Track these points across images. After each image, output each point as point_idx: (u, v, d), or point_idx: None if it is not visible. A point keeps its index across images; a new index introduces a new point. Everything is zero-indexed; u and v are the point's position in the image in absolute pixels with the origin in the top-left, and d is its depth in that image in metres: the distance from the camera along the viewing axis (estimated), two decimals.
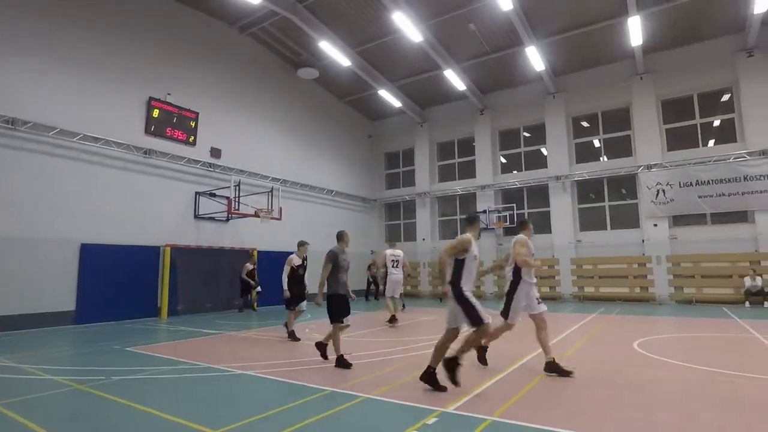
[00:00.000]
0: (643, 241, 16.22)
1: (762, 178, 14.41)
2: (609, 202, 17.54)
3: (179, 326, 10.75)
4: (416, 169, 22.01)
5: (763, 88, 14.69)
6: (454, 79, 17.83)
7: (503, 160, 20.33)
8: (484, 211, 19.20)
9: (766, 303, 13.50)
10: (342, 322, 6.15)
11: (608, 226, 17.36)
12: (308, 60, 17.90)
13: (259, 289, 14.69)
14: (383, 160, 23.68)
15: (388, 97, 19.71)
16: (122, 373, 5.80)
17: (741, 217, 15.00)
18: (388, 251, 11.36)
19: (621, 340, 8.05)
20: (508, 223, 18.65)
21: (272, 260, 16.18)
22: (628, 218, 16.98)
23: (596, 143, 18.19)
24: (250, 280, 14.50)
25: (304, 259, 8.67)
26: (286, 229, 16.68)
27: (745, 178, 14.67)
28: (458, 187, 20.71)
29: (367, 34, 16.29)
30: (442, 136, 21.74)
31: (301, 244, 8.66)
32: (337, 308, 6.18)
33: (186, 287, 13.52)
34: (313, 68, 18.14)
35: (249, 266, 14.43)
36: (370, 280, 19.21)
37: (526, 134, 19.74)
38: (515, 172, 19.84)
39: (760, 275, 13.97)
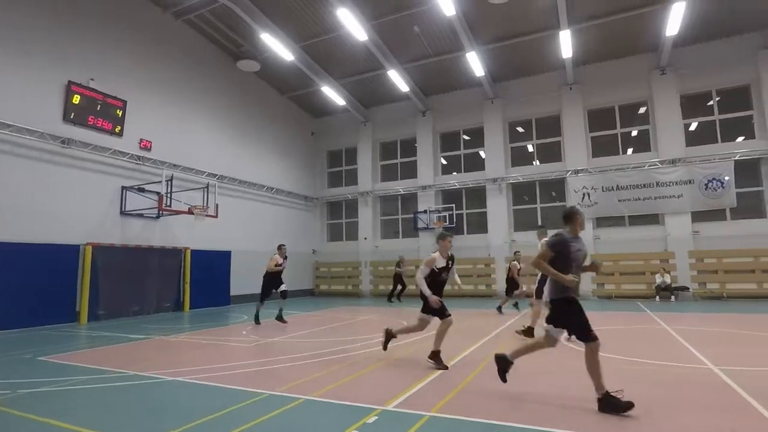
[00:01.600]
0: None
1: (671, 184, 15.95)
2: (540, 204, 18.59)
3: (101, 332, 9.95)
4: (359, 168, 22.01)
5: (672, 103, 16.26)
6: (398, 79, 18.03)
7: (444, 162, 20.87)
8: (425, 211, 19.61)
9: (672, 297, 14.97)
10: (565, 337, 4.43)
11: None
12: (249, 52, 17.29)
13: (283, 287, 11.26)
14: (326, 158, 23.44)
15: (332, 94, 19.54)
16: (32, 385, 5.25)
17: (653, 219, 16.50)
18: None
19: None
20: (447, 222, 19.16)
21: (207, 260, 15.54)
22: (558, 219, 17.98)
23: (530, 148, 19.20)
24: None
25: (450, 258, 6.32)
26: (222, 228, 16.05)
27: (657, 184, 16.15)
28: (400, 186, 20.98)
29: (311, 29, 16.02)
30: (385, 135, 21.91)
31: (444, 237, 6.29)
32: (569, 318, 4.37)
33: (110, 289, 12.51)
34: (254, 61, 17.55)
35: (279, 259, 11.03)
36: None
37: (466, 137, 20.41)
38: (455, 173, 20.44)
39: (668, 272, 15.46)
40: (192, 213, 13.37)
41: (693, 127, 16.53)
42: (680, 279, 15.47)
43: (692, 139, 16.30)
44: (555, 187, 18.48)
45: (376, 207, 21.75)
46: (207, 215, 13.75)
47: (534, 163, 18.95)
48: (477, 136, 19.89)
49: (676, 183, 15.89)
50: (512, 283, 12.27)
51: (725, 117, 16.04)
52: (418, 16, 15.10)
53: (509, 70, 18.29)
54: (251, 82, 19.05)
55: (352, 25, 14.47)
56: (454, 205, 19.40)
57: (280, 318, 10.86)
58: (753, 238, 14.72)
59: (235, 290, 16.65)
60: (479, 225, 19.46)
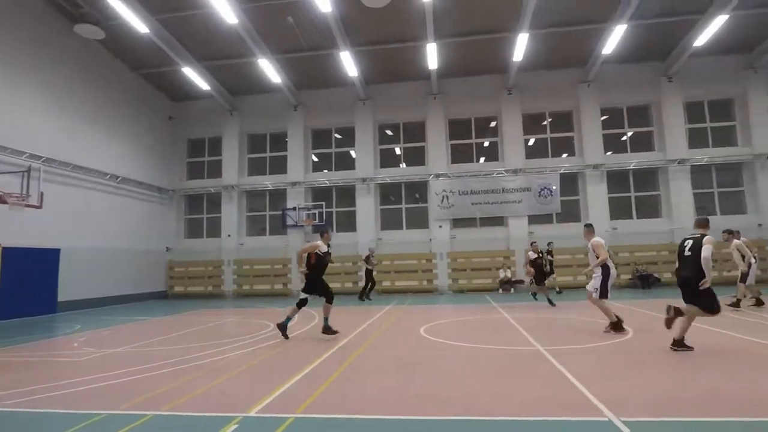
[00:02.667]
0: (430, 240, 18.71)
1: (513, 191, 18.33)
2: (405, 204, 19.69)
3: None
4: (224, 159, 20.56)
5: (516, 120, 18.69)
6: (269, 70, 17.30)
7: (315, 159, 20.72)
8: (294, 208, 19.23)
9: (512, 290, 17.21)
10: None
11: (404, 226, 19.47)
12: (90, 15, 14.77)
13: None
14: (185, 147, 21.35)
15: (194, 77, 17.83)
16: None
17: (499, 221, 18.76)
18: (601, 239, 7.93)
19: (411, 327, 9.06)
20: (317, 220, 19.07)
21: (26, 259, 12.91)
22: (420, 219, 19.39)
23: (397, 151, 20.21)
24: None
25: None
26: (50, 221, 13.50)
27: (503, 191, 18.40)
28: (268, 182, 20.19)
29: (171, 0, 14.40)
30: (254, 127, 20.86)
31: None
32: None
33: None
34: (97, 27, 15.05)
35: (323, 246, 7.96)
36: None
37: (338, 135, 20.57)
38: (326, 171, 20.44)
39: (509, 268, 17.75)
40: (5, 202, 10.95)
41: (531, 142, 19.24)
42: (518, 273, 17.85)
43: (530, 152, 18.96)
44: (419, 189, 19.75)
45: (242, 202, 20.60)
46: (27, 205, 11.41)
47: (401, 165, 19.99)
48: (348, 135, 20.19)
49: (517, 190, 18.32)
50: (540, 273, 12.14)
51: (555, 136, 19.04)
52: (293, 7, 14.67)
53: (381, 73, 18.95)
54: (94, 52, 16.35)
55: (221, 5, 13.42)
56: (324, 203, 19.40)
57: (328, 329, 7.85)
58: (572, 239, 17.68)
59: (64, 295, 14.15)
60: (348, 223, 19.80)
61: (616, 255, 17.52)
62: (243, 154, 20.77)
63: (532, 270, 12.09)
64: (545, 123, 19.22)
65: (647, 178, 18.46)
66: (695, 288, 5.69)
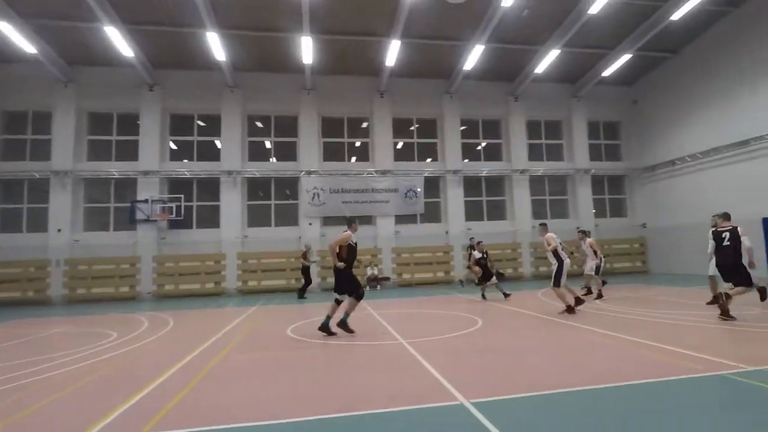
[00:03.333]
0: (299, 237, 18.39)
1: (382, 191, 19.05)
2: (275, 200, 19.03)
3: None
4: (54, 139, 17.25)
5: (387, 122, 19.44)
6: (118, 40, 15.01)
7: (173, 146, 18.73)
8: (146, 200, 17.13)
9: (378, 287, 17.85)
10: None
11: (273, 223, 18.81)
12: None
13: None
14: (0, 120, 17.42)
15: (14, 35, 14.52)
16: None
17: (368, 220, 19.30)
18: (553, 234, 8.85)
19: (277, 328, 8.77)
20: (174, 215, 17.28)
21: None
22: (290, 217, 18.92)
23: (268, 144, 19.42)
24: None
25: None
26: None
27: (372, 190, 18.99)
28: (114, 169, 17.61)
29: None
30: (97, 105, 17.97)
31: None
32: None
33: None
34: None
35: (353, 237, 7.67)
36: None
37: (201, 123, 18.92)
38: (186, 161, 18.62)
39: (377, 265, 18.40)
40: None
41: (400, 145, 20.22)
42: (385, 271, 18.62)
43: (398, 155, 19.91)
44: (289, 186, 19.26)
45: (79, 191, 17.57)
46: None
47: (271, 159, 19.26)
48: (213, 124, 18.68)
49: (385, 190, 19.09)
50: (486, 270, 11.93)
51: (421, 141, 20.32)
52: None
53: (253, 61, 17.95)
54: None
55: None
56: (182, 196, 17.66)
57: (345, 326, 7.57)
58: (433, 237, 19.14)
59: None
60: (211, 219, 18.36)
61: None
62: (81, 134, 17.75)
63: (477, 269, 12.14)
64: (413, 128, 20.38)
65: (496, 184, 20.86)
66: (737, 269, 7.10)
